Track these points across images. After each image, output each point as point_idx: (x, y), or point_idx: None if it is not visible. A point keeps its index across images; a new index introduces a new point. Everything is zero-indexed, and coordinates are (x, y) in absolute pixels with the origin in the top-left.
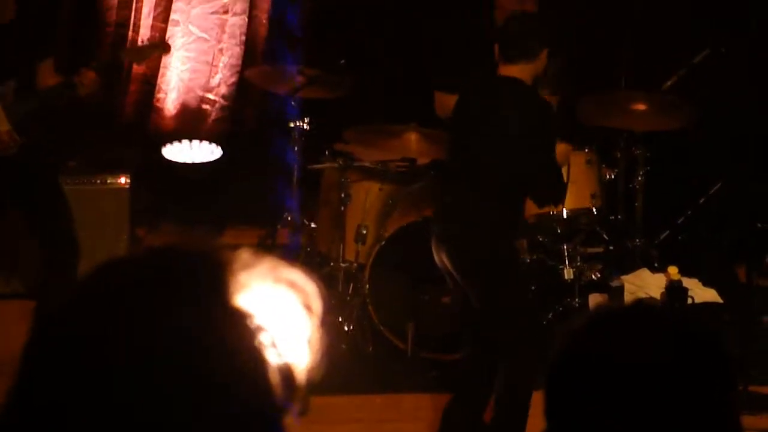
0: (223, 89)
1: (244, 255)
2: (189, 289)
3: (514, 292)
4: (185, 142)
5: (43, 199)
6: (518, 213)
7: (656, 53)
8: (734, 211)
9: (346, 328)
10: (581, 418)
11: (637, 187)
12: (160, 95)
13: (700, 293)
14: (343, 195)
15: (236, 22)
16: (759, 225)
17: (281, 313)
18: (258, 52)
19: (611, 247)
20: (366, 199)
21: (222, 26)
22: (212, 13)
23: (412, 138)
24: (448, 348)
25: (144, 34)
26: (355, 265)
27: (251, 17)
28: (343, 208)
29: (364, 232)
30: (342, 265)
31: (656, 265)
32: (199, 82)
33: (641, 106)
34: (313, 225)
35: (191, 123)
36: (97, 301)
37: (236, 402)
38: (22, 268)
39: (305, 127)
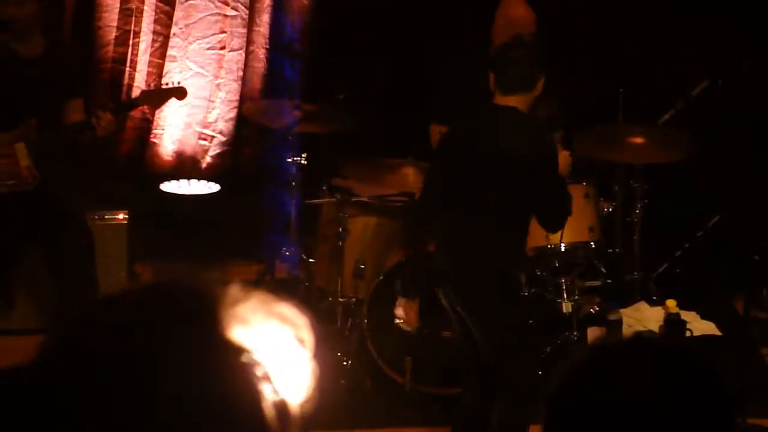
0: (221, 125)
1: (234, 290)
2: (181, 325)
3: (516, 324)
4: (183, 180)
5: (63, 235)
6: (520, 244)
7: (653, 86)
8: (732, 244)
9: (344, 363)
10: None
11: (635, 220)
12: (158, 131)
13: (699, 326)
14: (341, 230)
15: (233, 57)
16: (756, 257)
17: (274, 347)
18: (255, 87)
19: (609, 281)
20: (364, 233)
21: (219, 62)
22: (209, 48)
23: (410, 172)
24: (447, 382)
25: (141, 70)
26: (354, 300)
27: (248, 53)
28: (341, 243)
29: (363, 266)
30: (340, 300)
31: (654, 298)
32: (196, 118)
33: (639, 139)
34: (311, 260)
35: (189, 159)
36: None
37: None
38: (20, 304)
39: (303, 162)
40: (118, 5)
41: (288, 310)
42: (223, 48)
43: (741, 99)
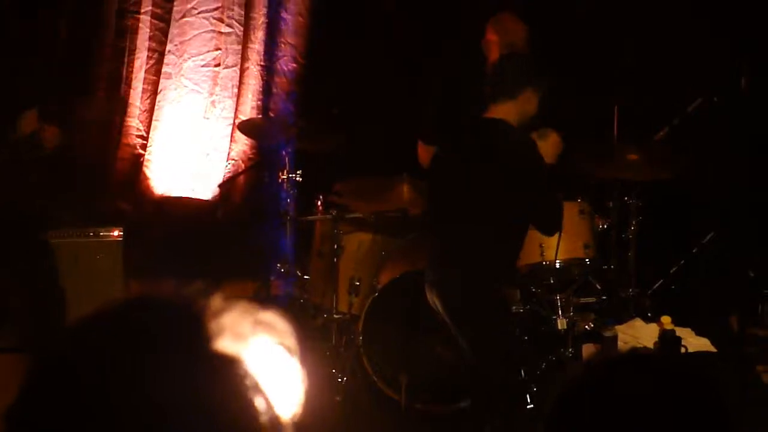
0: (216, 142)
1: (217, 301)
2: (167, 338)
3: (500, 336)
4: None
5: (25, 253)
6: (511, 254)
7: (649, 103)
8: (727, 261)
9: (339, 380)
10: None
11: (630, 236)
12: (153, 148)
13: (694, 342)
14: (336, 246)
15: (228, 74)
16: (751, 274)
17: (263, 357)
18: (250, 104)
19: (604, 297)
20: (359, 250)
21: (214, 78)
22: (204, 65)
23: (404, 189)
24: (442, 398)
25: (136, 87)
26: (349, 316)
27: (243, 69)
28: (336, 260)
29: (357, 283)
30: (335, 316)
31: (649, 314)
32: (191, 135)
33: (634, 157)
34: (306, 276)
35: (183, 176)
36: (76, 361)
37: None
38: (11, 322)
39: (298, 178)
40: (114, 22)
41: (271, 317)
42: (218, 65)
43: (737, 116)
